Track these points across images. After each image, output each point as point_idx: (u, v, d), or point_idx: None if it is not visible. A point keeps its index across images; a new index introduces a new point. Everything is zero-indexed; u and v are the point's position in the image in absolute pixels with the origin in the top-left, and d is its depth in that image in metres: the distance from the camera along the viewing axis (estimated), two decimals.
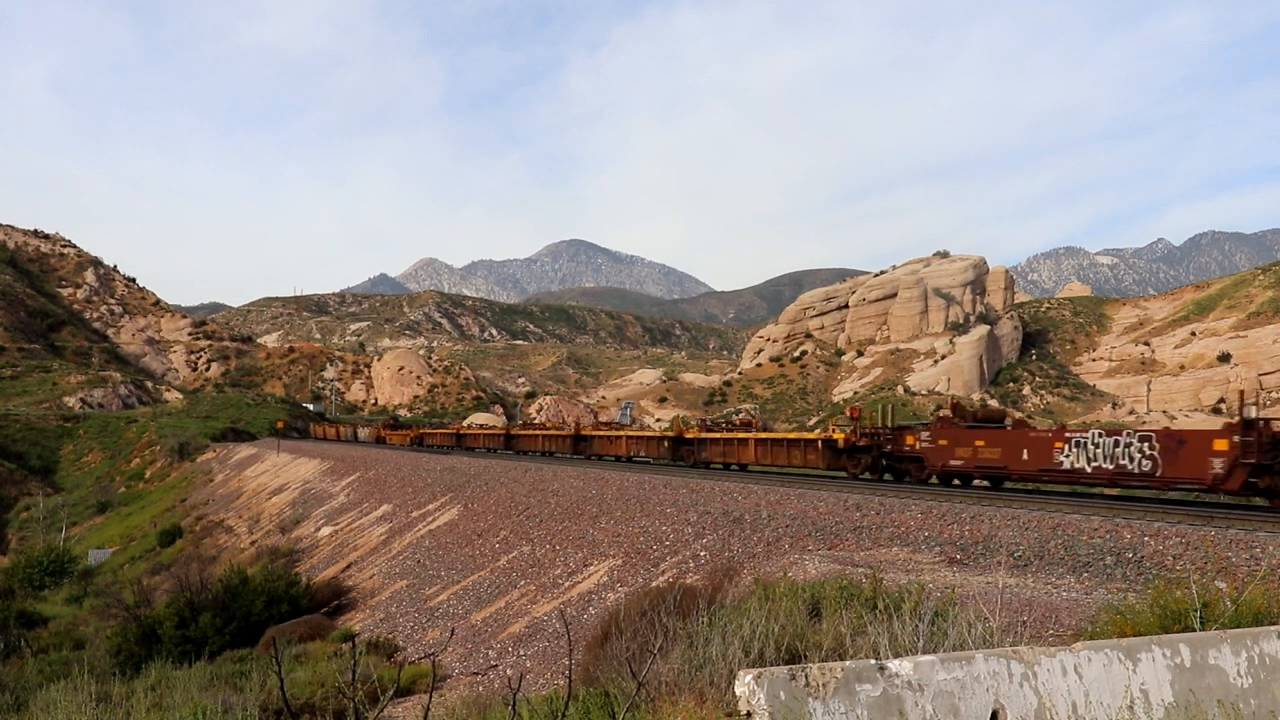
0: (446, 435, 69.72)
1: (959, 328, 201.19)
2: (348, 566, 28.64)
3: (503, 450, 56.26)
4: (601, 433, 46.72)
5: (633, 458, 41.47)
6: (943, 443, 24.63)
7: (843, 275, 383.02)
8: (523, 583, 19.56)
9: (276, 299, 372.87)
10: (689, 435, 37.70)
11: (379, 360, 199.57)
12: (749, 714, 4.23)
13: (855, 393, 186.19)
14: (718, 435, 36.06)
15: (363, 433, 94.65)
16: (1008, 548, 13.88)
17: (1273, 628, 5.63)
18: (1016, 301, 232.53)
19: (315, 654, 17.71)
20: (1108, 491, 22.84)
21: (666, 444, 38.54)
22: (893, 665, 4.53)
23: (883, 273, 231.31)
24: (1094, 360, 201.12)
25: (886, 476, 27.05)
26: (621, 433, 44.46)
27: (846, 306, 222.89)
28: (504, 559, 21.95)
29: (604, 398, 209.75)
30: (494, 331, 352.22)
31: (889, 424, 27.75)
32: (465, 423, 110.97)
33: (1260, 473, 17.37)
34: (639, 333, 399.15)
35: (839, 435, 28.52)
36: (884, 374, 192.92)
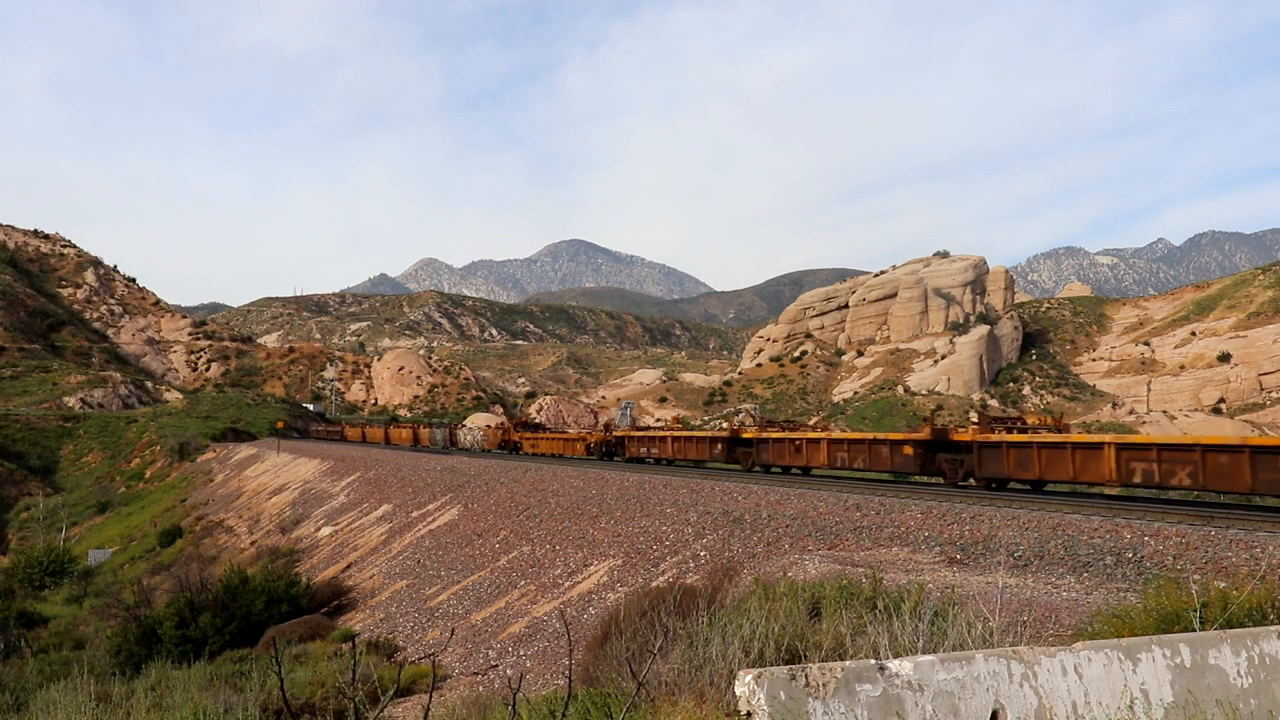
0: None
1: (959, 328, 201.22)
2: (348, 566, 28.64)
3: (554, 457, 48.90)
4: (641, 433, 42.14)
5: (674, 461, 38.06)
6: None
7: (843, 275, 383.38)
8: (523, 583, 19.55)
9: (276, 299, 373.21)
10: (747, 435, 34.26)
11: (379, 360, 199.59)
12: (749, 714, 4.22)
13: (855, 393, 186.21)
14: (782, 435, 32.33)
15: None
16: (1008, 548, 13.87)
17: (1273, 628, 5.62)
18: (1016, 301, 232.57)
19: (315, 654, 17.70)
20: (1108, 491, 22.86)
21: (721, 445, 35.01)
22: (893, 665, 4.53)
23: (883, 273, 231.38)
24: (1094, 360, 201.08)
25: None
26: (667, 433, 40.27)
27: (846, 306, 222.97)
28: (504, 559, 21.94)
29: (604, 398, 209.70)
30: (494, 331, 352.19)
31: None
32: (466, 423, 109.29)
33: None
34: (639, 333, 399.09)
35: (965, 433, 24.95)
36: (884, 374, 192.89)
